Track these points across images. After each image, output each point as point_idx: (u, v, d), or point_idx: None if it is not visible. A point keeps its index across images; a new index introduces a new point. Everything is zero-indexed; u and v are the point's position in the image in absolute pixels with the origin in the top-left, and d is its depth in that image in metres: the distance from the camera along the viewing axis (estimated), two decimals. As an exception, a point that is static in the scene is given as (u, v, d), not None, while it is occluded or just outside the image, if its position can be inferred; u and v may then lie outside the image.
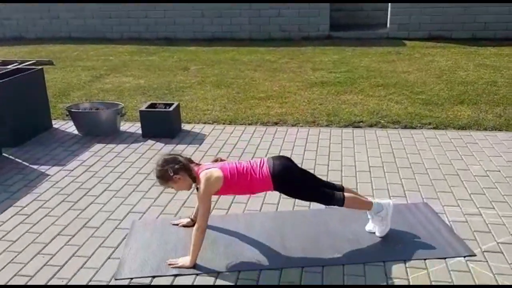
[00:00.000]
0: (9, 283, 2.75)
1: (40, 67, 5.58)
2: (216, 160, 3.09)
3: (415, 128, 5.16)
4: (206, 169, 2.90)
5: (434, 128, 5.15)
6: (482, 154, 4.39)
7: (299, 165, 3.08)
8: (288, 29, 11.16)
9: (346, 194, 2.97)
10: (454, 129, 5.11)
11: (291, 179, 2.91)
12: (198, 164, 3.03)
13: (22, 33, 12.09)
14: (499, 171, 4.02)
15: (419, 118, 5.44)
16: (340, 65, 8.33)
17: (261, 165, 2.90)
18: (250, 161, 2.97)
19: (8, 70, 5.39)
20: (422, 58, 8.75)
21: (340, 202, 2.92)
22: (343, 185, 3.20)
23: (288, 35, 11.13)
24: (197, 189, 2.90)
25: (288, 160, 3.01)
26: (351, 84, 7.02)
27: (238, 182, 2.86)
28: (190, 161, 3.00)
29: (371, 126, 5.27)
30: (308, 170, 3.21)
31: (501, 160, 4.25)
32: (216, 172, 2.86)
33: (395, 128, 5.19)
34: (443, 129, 5.11)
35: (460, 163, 4.21)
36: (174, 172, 2.85)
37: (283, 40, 10.96)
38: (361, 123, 5.35)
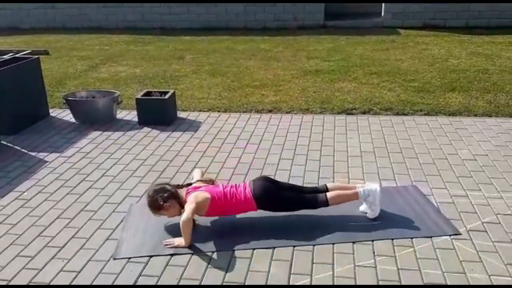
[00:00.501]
0: (10, 264, 2.84)
1: (36, 56, 5.64)
2: (207, 181, 3.26)
3: (406, 115, 5.25)
4: (194, 191, 3.08)
5: (425, 114, 5.25)
6: (471, 139, 4.50)
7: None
8: (283, 18, 11.20)
9: (328, 194, 3.14)
10: (444, 115, 5.21)
11: (271, 199, 3.11)
12: (187, 186, 3.19)
13: (16, 23, 12.08)
14: (487, 155, 4.13)
15: (411, 105, 5.53)
16: (334, 54, 8.41)
17: (244, 188, 3.11)
18: (234, 185, 3.17)
19: (5, 59, 5.44)
20: (416, 46, 8.83)
21: (324, 204, 3.12)
22: (326, 184, 3.34)
23: (283, 24, 11.17)
24: None
25: (268, 180, 3.20)
26: (344, 72, 7.10)
27: (224, 203, 3.06)
28: (178, 186, 3.18)
29: (363, 113, 5.37)
30: (291, 184, 3.41)
31: (489, 144, 4.36)
32: (204, 193, 3.06)
33: (387, 115, 5.28)
34: (434, 115, 5.22)
35: (449, 147, 4.32)
36: (164, 200, 3.04)
37: (278, 29, 11.01)
38: (354, 110, 5.44)
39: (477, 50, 8.35)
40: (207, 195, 3.05)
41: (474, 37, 9.44)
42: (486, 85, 6.23)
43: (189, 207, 2.96)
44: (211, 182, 3.28)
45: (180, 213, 3.11)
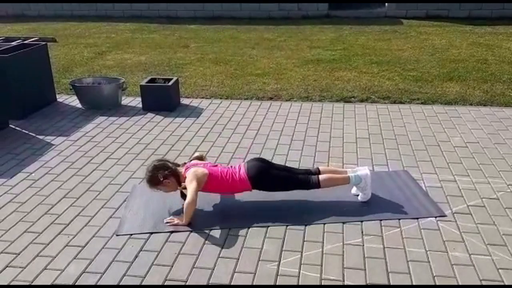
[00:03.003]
0: (19, 239, 3.02)
1: (44, 43, 5.79)
2: (199, 157, 3.48)
3: (403, 103, 5.38)
4: (193, 167, 3.24)
5: (422, 103, 5.37)
6: (464, 127, 4.63)
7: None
8: (288, 8, 11.28)
9: (320, 177, 3.28)
10: (441, 104, 5.33)
11: (265, 178, 3.25)
12: (184, 164, 3.35)
13: (24, 11, 12.24)
14: (478, 143, 4.26)
15: (408, 94, 5.65)
16: (337, 43, 8.51)
17: (239, 169, 3.26)
18: (230, 167, 3.33)
19: (14, 45, 5.60)
20: (418, 36, 8.91)
21: (316, 186, 3.26)
22: (318, 167, 3.48)
23: (287, 14, 11.26)
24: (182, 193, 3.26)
25: (261, 161, 3.35)
26: (345, 62, 7.21)
27: (221, 181, 3.21)
28: (177, 165, 3.33)
29: (362, 101, 5.49)
30: (285, 165, 3.58)
31: (481, 132, 4.49)
32: (202, 169, 3.22)
33: (385, 103, 5.41)
34: (430, 104, 5.33)
35: (442, 135, 4.45)
36: (164, 177, 3.19)
37: (282, 19, 11.10)
38: (353, 98, 5.57)
39: (478, 40, 8.43)
40: (205, 170, 3.19)
41: (476, 28, 9.50)
42: (484, 75, 6.33)
43: (191, 187, 3.07)
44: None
45: (176, 189, 3.27)
